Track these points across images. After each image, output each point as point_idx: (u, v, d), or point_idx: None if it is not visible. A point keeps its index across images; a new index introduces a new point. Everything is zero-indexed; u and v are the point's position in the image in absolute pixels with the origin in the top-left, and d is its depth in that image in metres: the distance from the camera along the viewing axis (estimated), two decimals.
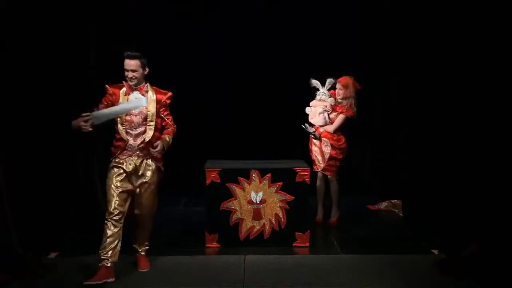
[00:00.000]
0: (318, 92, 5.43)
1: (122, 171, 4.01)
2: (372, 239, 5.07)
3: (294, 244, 4.77)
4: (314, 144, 5.46)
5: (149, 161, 4.08)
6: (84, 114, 3.80)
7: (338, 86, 5.34)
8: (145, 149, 4.04)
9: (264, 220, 4.78)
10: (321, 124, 5.38)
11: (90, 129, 3.82)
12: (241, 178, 4.74)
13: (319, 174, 5.47)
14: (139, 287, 3.88)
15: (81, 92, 5.31)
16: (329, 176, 5.41)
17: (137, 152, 4.05)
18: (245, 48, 6.61)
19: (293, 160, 5.13)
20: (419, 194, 5.23)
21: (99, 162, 5.71)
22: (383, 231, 5.41)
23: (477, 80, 4.35)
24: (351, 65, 6.53)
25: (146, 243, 4.27)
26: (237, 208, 4.75)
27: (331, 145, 5.35)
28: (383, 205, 6.29)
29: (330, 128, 5.38)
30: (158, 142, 4.03)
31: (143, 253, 4.26)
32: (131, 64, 4.00)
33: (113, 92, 4.07)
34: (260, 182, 4.75)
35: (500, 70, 4.15)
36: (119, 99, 4.03)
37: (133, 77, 4.02)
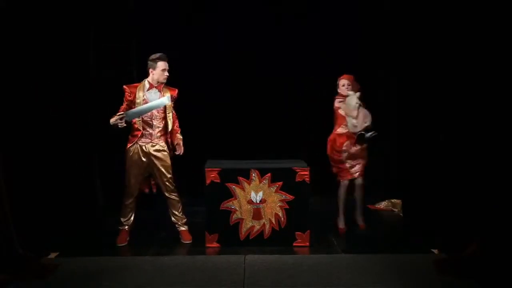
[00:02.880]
0: (352, 100, 5.17)
1: (137, 156, 4.73)
2: (372, 238, 5.07)
3: (294, 244, 4.77)
4: (349, 151, 5.23)
5: (162, 145, 4.81)
6: (119, 114, 4.60)
7: (343, 82, 5.25)
8: (162, 136, 4.81)
9: (264, 220, 4.78)
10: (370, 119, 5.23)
11: (125, 124, 4.60)
12: (241, 178, 4.74)
13: (345, 183, 5.26)
14: (139, 287, 3.88)
15: (81, 92, 5.32)
16: (359, 180, 5.27)
17: (156, 140, 4.77)
18: (245, 48, 6.62)
19: (293, 160, 5.13)
20: (419, 193, 5.23)
21: (99, 162, 5.72)
22: (383, 230, 5.41)
23: (477, 80, 4.35)
24: (351, 65, 6.55)
25: (184, 217, 4.96)
26: (237, 208, 4.75)
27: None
28: (383, 204, 6.29)
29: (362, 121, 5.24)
30: (179, 142, 4.91)
31: (183, 228, 4.93)
32: (167, 65, 4.75)
33: (130, 91, 4.74)
34: (260, 182, 4.75)
35: (500, 70, 4.15)
36: (136, 96, 4.71)
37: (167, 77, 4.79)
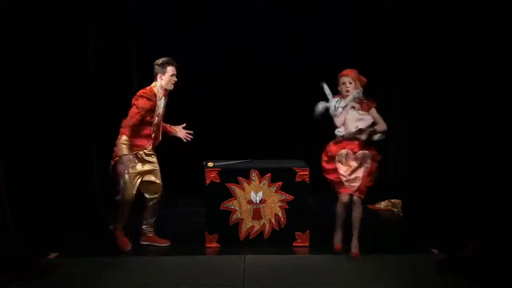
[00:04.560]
0: (332, 105, 4.55)
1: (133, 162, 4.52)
2: (372, 238, 5.06)
3: (294, 244, 4.77)
4: (342, 161, 4.49)
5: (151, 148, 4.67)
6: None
7: (343, 80, 4.53)
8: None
9: (264, 220, 4.78)
10: (369, 120, 4.46)
11: None
12: (240, 178, 4.74)
13: (344, 198, 4.48)
14: (139, 287, 3.89)
15: (81, 92, 5.32)
16: (355, 197, 4.45)
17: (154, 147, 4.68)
18: (245, 48, 6.62)
19: (293, 160, 5.13)
20: (419, 193, 5.23)
21: (98, 162, 5.72)
22: (383, 230, 5.41)
23: (476, 80, 4.35)
24: (352, 63, 6.54)
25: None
26: (237, 208, 4.75)
27: (372, 157, 4.47)
28: (383, 204, 6.29)
29: (384, 125, 4.46)
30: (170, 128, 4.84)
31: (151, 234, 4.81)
32: (175, 70, 4.58)
33: (152, 100, 4.48)
34: (260, 182, 4.75)
35: (498, 66, 4.15)
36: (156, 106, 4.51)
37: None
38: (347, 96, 4.52)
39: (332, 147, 4.55)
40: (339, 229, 4.60)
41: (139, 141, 4.52)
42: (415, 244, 4.80)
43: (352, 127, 4.41)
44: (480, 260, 3.99)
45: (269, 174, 4.74)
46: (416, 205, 5.30)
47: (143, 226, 4.78)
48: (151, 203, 4.70)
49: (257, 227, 4.78)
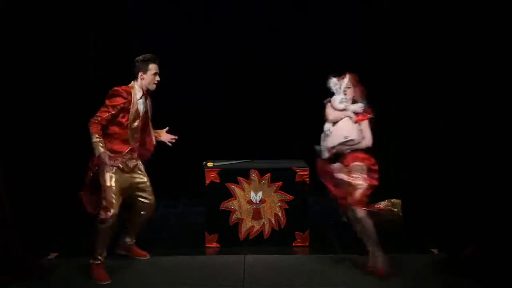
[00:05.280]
0: (338, 99, 4.16)
1: (118, 174, 4.04)
2: None
3: (294, 244, 4.77)
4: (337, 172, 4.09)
5: (140, 162, 4.25)
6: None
7: (343, 82, 4.18)
8: (138, 150, 4.22)
9: (263, 220, 4.78)
10: (360, 139, 4.08)
11: None
12: (240, 178, 4.74)
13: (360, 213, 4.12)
14: (139, 287, 3.89)
15: (81, 92, 5.32)
16: (359, 211, 4.15)
17: (135, 155, 4.18)
18: (245, 48, 6.61)
19: (293, 160, 5.12)
20: (419, 193, 5.23)
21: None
22: (382, 230, 5.39)
23: (476, 80, 4.36)
24: (353, 63, 6.53)
25: None
26: (237, 208, 4.75)
27: (368, 167, 4.08)
28: (383, 204, 6.26)
29: (369, 141, 4.11)
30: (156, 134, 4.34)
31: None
32: (158, 68, 4.12)
33: (128, 98, 4.01)
34: (260, 182, 4.75)
35: (498, 67, 4.15)
36: (131, 105, 4.02)
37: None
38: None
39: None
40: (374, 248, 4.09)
41: (115, 145, 4.02)
42: (415, 244, 4.80)
43: (340, 135, 4.06)
44: (480, 260, 3.99)
45: (269, 174, 4.74)
46: (416, 205, 5.29)
47: (125, 239, 4.39)
48: (138, 219, 4.32)
49: (257, 227, 4.78)
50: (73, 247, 4.68)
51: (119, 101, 3.95)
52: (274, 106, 6.74)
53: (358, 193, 4.01)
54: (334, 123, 4.16)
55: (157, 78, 4.11)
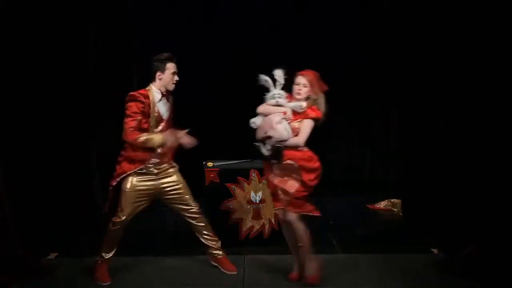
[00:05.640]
0: (271, 94, 3.89)
1: (141, 180, 3.93)
2: (371, 238, 5.07)
3: None
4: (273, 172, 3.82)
5: (173, 166, 4.11)
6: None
7: (299, 80, 3.89)
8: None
9: (263, 220, 4.78)
10: (284, 137, 3.72)
11: None
12: (240, 178, 4.74)
13: (282, 214, 3.91)
14: (139, 287, 3.89)
15: (81, 92, 5.32)
16: (290, 214, 3.80)
17: (165, 159, 4.01)
18: (245, 48, 6.61)
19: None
20: (419, 193, 5.23)
21: (98, 162, 5.72)
22: (382, 230, 5.41)
23: (476, 80, 4.35)
24: (352, 63, 6.54)
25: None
26: (237, 208, 4.75)
27: (304, 167, 3.75)
28: (383, 204, 6.29)
29: (298, 140, 3.75)
30: None
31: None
32: (176, 67, 3.96)
33: (145, 102, 3.81)
34: (260, 181, 4.75)
35: (498, 67, 4.15)
36: (150, 108, 3.83)
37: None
38: (296, 98, 3.86)
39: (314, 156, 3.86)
40: (294, 254, 3.97)
41: (139, 155, 3.86)
42: (415, 244, 4.80)
43: (261, 130, 3.80)
44: (480, 260, 3.99)
45: None
46: (416, 205, 5.30)
47: (209, 251, 4.21)
48: (195, 228, 4.15)
49: (256, 227, 4.78)
50: (73, 247, 4.68)
51: (138, 106, 3.77)
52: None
53: (289, 195, 3.73)
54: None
55: (176, 77, 3.94)
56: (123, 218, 3.87)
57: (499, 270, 3.83)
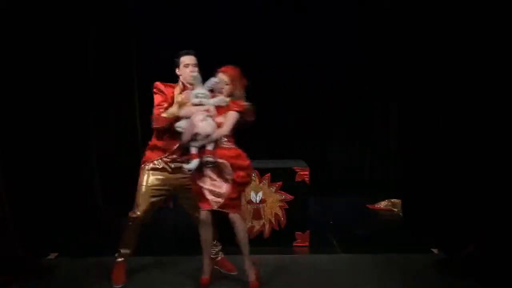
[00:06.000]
0: (194, 93, 3.77)
1: (157, 175, 3.92)
2: (371, 238, 5.07)
3: (294, 244, 4.77)
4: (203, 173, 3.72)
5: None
6: None
7: (220, 78, 3.85)
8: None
9: (263, 220, 4.78)
10: (209, 132, 3.66)
11: None
12: None
13: (205, 215, 3.77)
14: (140, 287, 3.89)
15: (81, 92, 5.32)
16: (231, 215, 3.75)
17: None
18: (245, 48, 6.61)
19: (293, 160, 5.13)
20: (419, 193, 5.23)
21: (98, 162, 5.73)
22: (382, 230, 5.41)
23: (476, 80, 4.35)
24: (352, 63, 6.55)
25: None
26: None
27: (234, 165, 3.69)
28: (383, 204, 6.29)
29: (223, 130, 3.71)
30: None
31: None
32: (193, 59, 4.00)
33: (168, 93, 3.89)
34: (260, 182, 4.75)
35: (498, 66, 4.15)
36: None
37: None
38: (218, 95, 3.82)
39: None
40: (206, 256, 3.88)
41: (162, 143, 3.89)
42: (415, 244, 4.80)
43: (189, 132, 3.67)
44: (480, 260, 3.99)
45: (269, 174, 4.74)
46: (416, 205, 5.30)
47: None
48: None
49: (257, 227, 4.78)
50: (73, 247, 4.68)
51: (159, 98, 3.87)
52: (274, 106, 6.74)
53: (222, 197, 3.69)
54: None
55: (190, 69, 3.92)
56: (138, 213, 3.86)
57: (499, 270, 3.83)
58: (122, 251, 3.98)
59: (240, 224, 3.79)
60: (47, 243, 4.55)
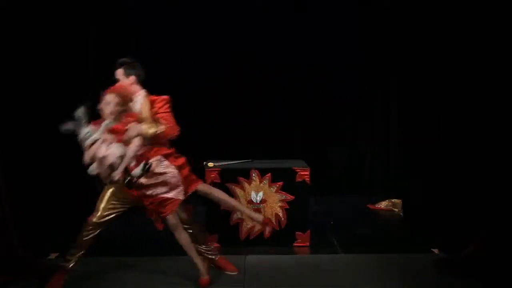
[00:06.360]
0: (82, 136, 3.65)
1: None
2: (372, 238, 5.07)
3: (294, 244, 4.77)
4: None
5: None
6: None
7: (109, 99, 3.75)
8: None
9: None
10: (120, 151, 3.60)
11: None
12: (241, 178, 4.74)
13: (173, 218, 3.87)
14: (139, 287, 3.89)
15: (81, 92, 5.31)
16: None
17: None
18: (245, 48, 6.61)
19: (293, 160, 5.13)
20: (419, 193, 5.23)
21: None
22: (383, 230, 5.41)
23: (477, 80, 4.35)
24: (352, 65, 6.54)
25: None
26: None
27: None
28: (383, 204, 6.29)
29: (134, 144, 3.62)
30: None
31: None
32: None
33: None
34: (260, 182, 4.75)
35: (498, 67, 4.15)
36: None
37: None
38: (109, 117, 3.71)
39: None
40: (195, 257, 3.91)
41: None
42: (415, 244, 4.80)
43: (104, 166, 3.60)
44: (481, 260, 3.99)
45: (269, 174, 4.74)
46: (417, 205, 5.30)
47: (205, 254, 4.12)
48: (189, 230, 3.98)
49: (257, 227, 4.78)
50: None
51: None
52: (274, 106, 6.75)
53: (157, 200, 3.74)
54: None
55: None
56: (95, 219, 3.87)
57: (499, 270, 3.83)
58: (72, 250, 3.88)
59: (176, 227, 3.81)
60: (47, 243, 4.55)
